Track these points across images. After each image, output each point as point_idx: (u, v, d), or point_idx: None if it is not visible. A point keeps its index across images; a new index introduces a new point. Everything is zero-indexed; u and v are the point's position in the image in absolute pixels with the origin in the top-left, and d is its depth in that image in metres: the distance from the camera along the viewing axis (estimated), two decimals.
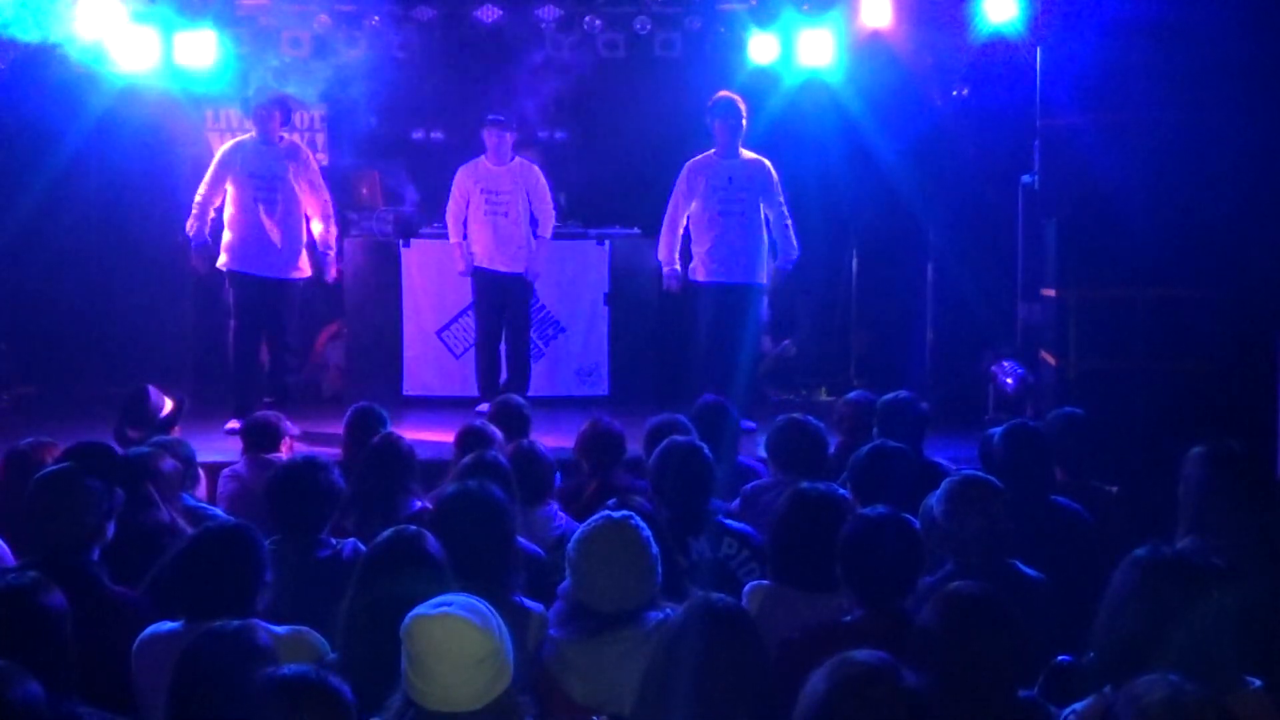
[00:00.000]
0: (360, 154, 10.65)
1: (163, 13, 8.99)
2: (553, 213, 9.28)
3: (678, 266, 8.80)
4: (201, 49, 9.15)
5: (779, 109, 9.70)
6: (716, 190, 8.58)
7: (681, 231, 8.75)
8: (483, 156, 9.12)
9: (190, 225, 8.56)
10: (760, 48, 9.54)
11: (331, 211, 8.82)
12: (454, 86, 10.88)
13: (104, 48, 8.77)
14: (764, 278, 8.74)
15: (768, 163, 8.68)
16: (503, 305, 9.20)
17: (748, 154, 8.65)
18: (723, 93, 8.59)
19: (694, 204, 8.65)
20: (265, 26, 9.49)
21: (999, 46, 8.64)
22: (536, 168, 9.30)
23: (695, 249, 8.71)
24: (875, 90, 9.64)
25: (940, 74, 9.70)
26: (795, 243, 8.75)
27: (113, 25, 8.75)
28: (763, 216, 8.65)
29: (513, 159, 9.12)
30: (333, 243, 8.87)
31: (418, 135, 11.10)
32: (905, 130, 9.77)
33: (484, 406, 9.12)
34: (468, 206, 9.09)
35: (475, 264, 9.11)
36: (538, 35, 9.85)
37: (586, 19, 9.69)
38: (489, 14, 9.57)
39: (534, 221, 9.22)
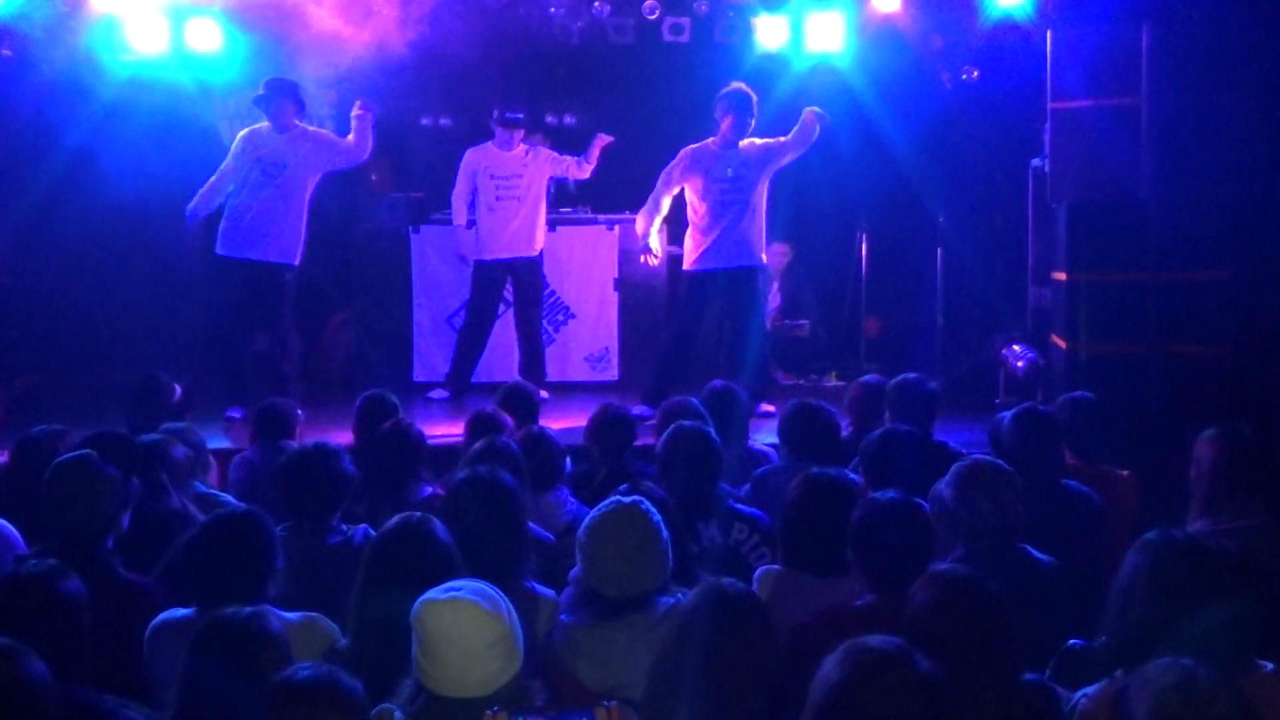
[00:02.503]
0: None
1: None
2: (572, 158, 9.23)
3: (653, 245, 8.66)
4: (210, 35, 9.14)
5: (788, 94, 9.65)
6: (719, 182, 8.41)
7: (662, 213, 8.59)
8: (490, 143, 9.11)
9: (195, 201, 8.53)
10: (769, 32, 9.48)
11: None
12: (462, 72, 10.85)
13: (118, 28, 8.78)
14: (764, 258, 8.66)
15: (754, 139, 8.51)
16: (499, 299, 9.21)
17: (741, 141, 8.50)
18: (737, 84, 8.39)
19: (690, 195, 8.50)
20: (272, 14, 9.46)
21: (1008, 30, 8.62)
22: (539, 146, 9.36)
23: (696, 239, 8.50)
24: (884, 74, 9.60)
25: (949, 58, 9.66)
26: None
27: (128, 4, 8.75)
28: (764, 194, 8.50)
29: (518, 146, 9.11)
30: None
31: (426, 121, 11.09)
32: (915, 114, 9.75)
33: (440, 393, 9.11)
34: (475, 191, 9.07)
35: (480, 256, 9.03)
36: (546, 20, 9.81)
37: (595, 4, 9.64)
38: None
39: (575, 182, 9.44)
